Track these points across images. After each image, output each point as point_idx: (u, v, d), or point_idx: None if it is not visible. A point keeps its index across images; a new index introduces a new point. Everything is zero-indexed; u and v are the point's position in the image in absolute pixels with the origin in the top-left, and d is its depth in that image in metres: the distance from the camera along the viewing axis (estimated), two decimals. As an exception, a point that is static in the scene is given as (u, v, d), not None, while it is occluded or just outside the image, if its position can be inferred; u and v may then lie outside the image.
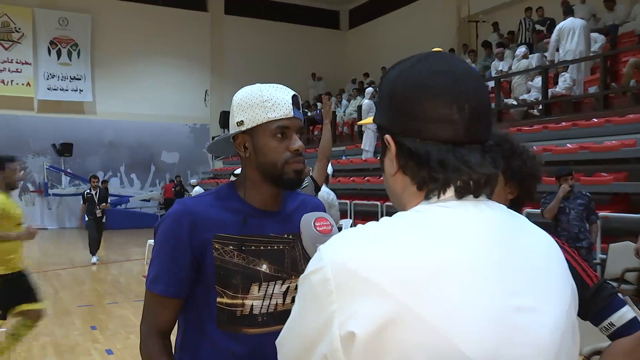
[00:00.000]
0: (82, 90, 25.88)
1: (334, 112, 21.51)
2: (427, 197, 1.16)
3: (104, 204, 14.47)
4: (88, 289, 11.55)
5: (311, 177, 5.59)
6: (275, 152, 2.00)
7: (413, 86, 1.15)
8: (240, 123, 2.01)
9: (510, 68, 15.47)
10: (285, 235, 2.10)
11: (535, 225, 1.24)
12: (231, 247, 2.01)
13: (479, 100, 1.15)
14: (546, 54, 14.54)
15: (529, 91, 14.51)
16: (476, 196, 1.16)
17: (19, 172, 6.22)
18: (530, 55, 15.14)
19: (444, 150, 1.13)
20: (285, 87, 2.04)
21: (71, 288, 11.60)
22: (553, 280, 1.16)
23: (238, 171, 4.78)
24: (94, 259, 14.62)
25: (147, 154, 27.51)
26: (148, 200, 26.77)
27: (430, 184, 1.15)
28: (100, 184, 14.81)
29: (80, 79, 25.87)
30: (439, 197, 1.15)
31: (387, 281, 1.01)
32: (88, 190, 14.56)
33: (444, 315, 1.00)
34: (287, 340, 1.16)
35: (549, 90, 13.57)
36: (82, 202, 14.87)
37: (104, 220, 14.62)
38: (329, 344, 1.03)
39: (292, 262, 2.11)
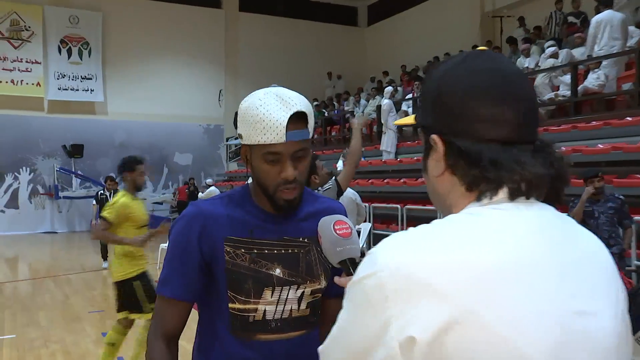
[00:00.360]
0: (93, 90, 26.01)
1: (351, 112, 21.46)
2: (478, 199, 1.17)
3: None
4: (99, 295, 11.58)
5: (336, 180, 5.64)
6: (267, 176, 1.99)
7: (463, 85, 1.17)
8: (240, 136, 2.00)
9: (537, 65, 15.28)
10: (301, 239, 2.10)
11: (584, 228, 1.26)
12: (243, 251, 2.02)
13: (530, 100, 1.18)
14: (575, 50, 14.36)
15: (557, 88, 14.34)
16: (528, 198, 1.17)
17: (146, 173, 6.46)
18: (558, 51, 14.91)
19: (496, 149, 1.14)
20: (290, 101, 1.94)
21: (82, 293, 11.65)
22: (606, 283, 1.18)
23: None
24: (105, 264, 14.56)
25: (159, 155, 27.60)
26: (161, 203, 26.83)
27: (481, 185, 1.16)
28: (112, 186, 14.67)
29: (91, 79, 26.01)
30: (490, 198, 1.16)
31: (447, 285, 1.02)
32: (102, 191, 14.35)
33: (506, 318, 1.02)
34: (334, 348, 1.16)
35: (580, 86, 13.32)
36: (94, 202, 14.57)
37: None
38: (386, 351, 1.04)
39: (307, 266, 2.11)
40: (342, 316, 1.14)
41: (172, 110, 27.45)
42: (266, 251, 2.04)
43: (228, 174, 27.37)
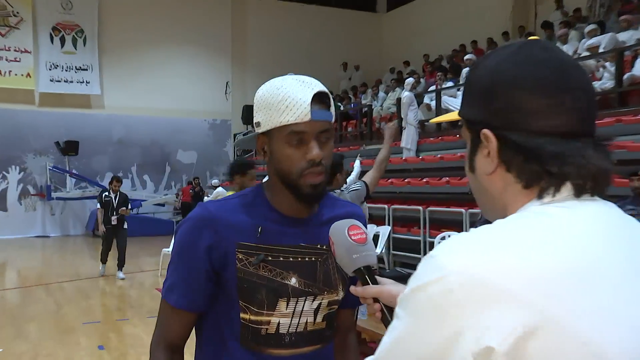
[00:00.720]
0: (88, 82, 26.03)
1: (369, 106, 21.42)
2: (539, 196, 1.19)
3: (124, 208, 14.17)
4: (95, 304, 11.61)
5: (364, 182, 5.85)
6: (290, 161, 1.99)
7: (519, 76, 1.19)
8: (258, 124, 2.02)
9: (576, 52, 15.05)
10: (318, 246, 2.10)
11: None
12: (256, 258, 2.02)
13: (589, 90, 1.22)
14: (622, 34, 14.08)
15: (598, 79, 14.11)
16: (593, 194, 1.19)
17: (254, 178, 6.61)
18: (601, 36, 14.60)
19: (557, 142, 1.16)
20: (310, 82, 1.99)
21: (76, 303, 11.67)
22: None
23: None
24: (102, 270, 14.54)
25: (161, 153, 27.73)
26: (163, 205, 26.96)
27: (542, 181, 1.18)
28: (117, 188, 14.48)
29: (86, 70, 26.01)
30: (553, 195, 1.18)
31: (523, 289, 1.03)
32: (107, 194, 14.24)
33: (587, 322, 1.04)
34: None
35: (626, 75, 13.09)
36: (98, 206, 14.48)
37: (125, 226, 14.27)
38: None
39: (325, 276, 2.12)
40: (397, 327, 1.14)
41: (175, 104, 27.52)
42: (281, 258, 2.04)
43: (235, 174, 27.34)
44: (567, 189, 1.17)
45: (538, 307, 1.02)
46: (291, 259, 2.06)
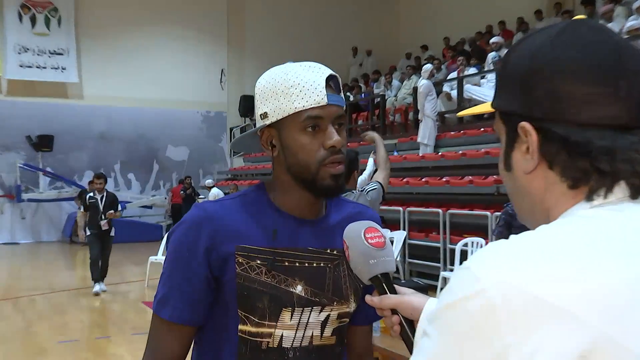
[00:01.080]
0: (64, 69, 25.93)
1: (382, 96, 21.37)
2: (588, 198, 1.18)
3: (112, 211, 13.74)
4: (71, 320, 11.57)
5: (379, 182, 5.99)
6: (306, 151, 2.01)
7: (565, 61, 1.18)
8: (264, 115, 2.05)
9: (621, 31, 14.88)
10: (328, 251, 2.12)
11: None
12: (258, 262, 2.03)
13: None
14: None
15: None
16: None
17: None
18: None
19: (609, 136, 1.15)
20: (320, 66, 2.04)
21: (49, 319, 11.63)
22: None
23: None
24: (97, 288, 13.82)
25: (148, 148, 27.80)
26: (150, 207, 27.06)
27: (592, 180, 1.17)
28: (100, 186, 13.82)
29: (61, 54, 25.90)
30: (605, 197, 1.17)
31: (578, 306, 1.02)
32: (92, 194, 13.87)
33: None
34: None
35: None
36: (81, 208, 14.26)
37: (112, 233, 13.98)
38: None
39: (335, 284, 2.13)
40: (429, 347, 1.13)
41: (164, 93, 27.55)
42: (286, 263, 2.06)
43: (232, 172, 27.46)
44: (621, 189, 1.15)
45: (595, 327, 1.01)
46: (297, 264, 2.07)
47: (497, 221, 8.93)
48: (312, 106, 1.97)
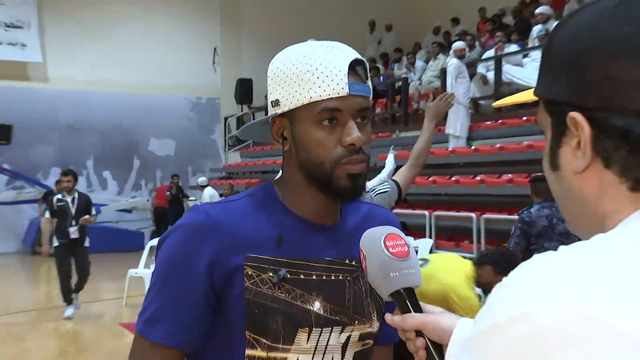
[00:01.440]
0: (24, 46, 25.99)
1: (404, 79, 21.31)
2: None
3: (87, 216, 13.23)
4: (32, 347, 11.54)
5: (396, 182, 5.79)
6: (321, 148, 2.03)
7: (622, 38, 1.15)
8: (276, 103, 2.07)
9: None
10: (347, 261, 2.14)
11: None
12: (270, 275, 2.04)
13: None
14: None
15: None
16: None
17: None
18: None
19: None
20: (345, 48, 2.06)
21: (5, 346, 11.55)
22: None
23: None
24: (69, 312, 13.30)
25: (127, 142, 27.84)
26: (129, 211, 27.18)
27: None
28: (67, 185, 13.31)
29: (20, 28, 25.94)
30: None
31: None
32: (60, 196, 13.33)
33: None
34: None
35: None
36: (46, 214, 13.72)
37: (86, 244, 13.36)
38: None
39: (356, 300, 2.15)
40: None
41: (146, 77, 27.65)
42: (302, 276, 2.07)
43: (227, 169, 27.45)
44: None
45: None
46: (314, 277, 2.09)
47: (513, 230, 8.93)
48: (330, 96, 1.97)
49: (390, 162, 8.00)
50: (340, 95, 1.96)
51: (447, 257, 8.05)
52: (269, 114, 2.12)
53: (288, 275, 2.04)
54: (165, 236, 2.07)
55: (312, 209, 2.12)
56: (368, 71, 2.07)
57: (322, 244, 2.12)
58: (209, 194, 20.23)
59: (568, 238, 8.59)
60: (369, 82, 2.06)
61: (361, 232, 1.97)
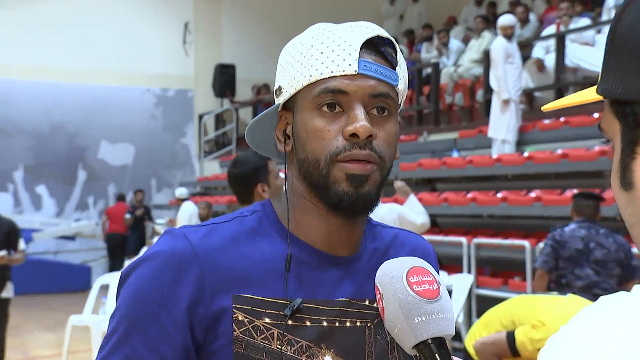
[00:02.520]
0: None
1: (434, 65, 21.31)
2: None
3: (4, 252, 11.42)
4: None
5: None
6: (319, 140, 2.07)
7: None
8: (279, 91, 2.16)
9: None
10: (367, 303, 2.19)
11: None
12: (267, 321, 2.07)
13: None
14: None
15: None
16: None
17: None
18: None
19: None
20: (367, 25, 2.11)
21: None
22: None
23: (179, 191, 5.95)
24: None
25: (70, 147, 28.06)
26: (72, 238, 27.26)
27: None
28: None
29: None
30: None
31: None
32: None
33: None
34: None
35: None
36: None
37: (5, 294, 11.91)
38: None
39: (378, 353, 2.19)
40: None
41: (95, 61, 27.86)
42: (308, 322, 2.09)
43: (202, 183, 27.43)
44: None
45: None
46: (325, 324, 2.11)
47: (542, 248, 9.35)
48: (333, 74, 2.01)
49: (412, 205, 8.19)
50: (347, 73, 1.99)
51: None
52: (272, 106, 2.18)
53: (290, 323, 2.06)
54: (131, 268, 2.05)
55: (320, 233, 2.15)
56: (398, 55, 2.08)
57: (335, 280, 2.15)
58: (189, 212, 19.87)
59: (605, 268, 9.31)
60: (400, 70, 2.09)
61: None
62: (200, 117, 28.89)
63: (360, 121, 1.99)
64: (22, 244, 12.04)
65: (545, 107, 1.70)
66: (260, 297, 2.05)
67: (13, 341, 15.41)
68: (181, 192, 22.77)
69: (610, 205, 13.13)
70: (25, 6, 26.78)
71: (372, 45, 2.03)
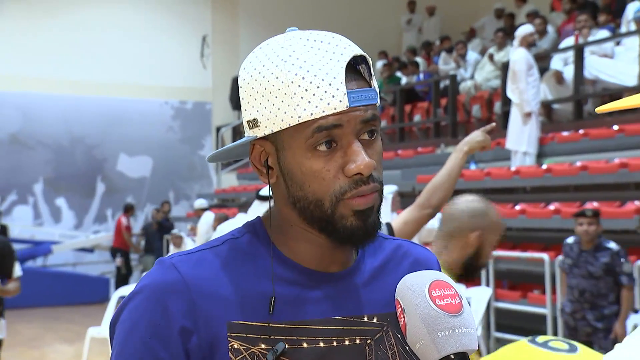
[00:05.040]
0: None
1: (452, 77, 21.22)
2: None
3: None
4: None
5: (388, 225, 5.71)
6: (318, 181, 2.02)
7: None
8: (254, 124, 2.07)
9: None
10: (366, 319, 2.13)
11: None
12: (263, 347, 2.03)
13: None
14: None
15: None
16: None
17: None
18: None
19: None
20: (336, 43, 2.03)
21: None
22: None
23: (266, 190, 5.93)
24: None
25: (89, 159, 28.10)
26: (91, 250, 27.24)
27: None
28: None
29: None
30: None
31: None
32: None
33: None
34: None
35: None
36: None
37: None
38: None
39: None
40: None
41: (114, 74, 27.83)
42: (305, 344, 2.05)
43: (219, 195, 27.43)
44: None
45: None
46: (322, 345, 2.06)
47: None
48: (324, 113, 1.95)
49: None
50: (338, 110, 1.94)
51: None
52: (244, 137, 2.10)
53: (286, 346, 2.00)
54: (124, 304, 2.05)
55: (313, 254, 2.11)
56: (371, 67, 2.03)
57: (329, 298, 2.11)
58: (208, 223, 19.77)
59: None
60: (374, 82, 2.03)
61: (384, 277, 2.11)
62: (218, 129, 28.77)
63: (361, 159, 1.96)
64: (17, 270, 9.56)
65: (600, 109, 1.67)
66: (254, 323, 2.03)
67: (32, 353, 15.45)
68: (200, 203, 22.67)
69: (630, 218, 13.11)
70: (45, 19, 26.85)
71: (350, 68, 1.99)
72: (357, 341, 2.09)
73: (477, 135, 5.63)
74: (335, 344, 2.07)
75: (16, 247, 18.08)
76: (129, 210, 25.77)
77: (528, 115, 16.56)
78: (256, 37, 28.14)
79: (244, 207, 15.38)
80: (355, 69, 2.00)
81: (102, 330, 13.97)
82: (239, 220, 14.80)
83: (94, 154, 27.96)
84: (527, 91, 16.48)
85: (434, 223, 8.97)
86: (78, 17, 27.20)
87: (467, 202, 5.26)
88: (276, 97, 1.97)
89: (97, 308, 17.81)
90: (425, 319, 1.80)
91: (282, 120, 1.97)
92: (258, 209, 6.01)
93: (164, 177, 28.77)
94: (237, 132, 27.70)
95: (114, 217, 27.78)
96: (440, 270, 2.23)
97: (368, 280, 2.15)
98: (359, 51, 2.00)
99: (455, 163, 5.49)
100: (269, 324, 2.03)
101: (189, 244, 18.30)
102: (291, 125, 1.97)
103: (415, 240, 5.44)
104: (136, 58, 27.91)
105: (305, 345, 2.04)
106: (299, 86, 1.94)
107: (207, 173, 29.59)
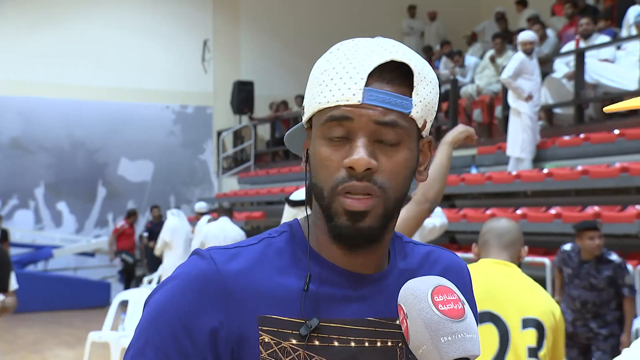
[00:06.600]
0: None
1: (453, 81, 21.20)
2: None
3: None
4: None
5: None
6: (324, 169, 2.06)
7: None
8: (304, 110, 2.15)
9: None
10: (397, 322, 2.12)
11: None
12: (294, 342, 2.04)
13: None
14: None
15: None
16: None
17: None
18: None
19: None
20: (380, 44, 2.05)
21: None
22: None
23: (298, 195, 6.27)
24: None
25: (90, 164, 28.04)
26: (92, 255, 27.20)
27: None
28: None
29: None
30: None
31: None
32: None
33: None
34: None
35: None
36: None
37: None
38: None
39: None
40: None
41: (114, 78, 27.80)
42: (336, 343, 2.07)
43: (220, 199, 27.21)
44: None
45: None
46: (353, 345, 2.08)
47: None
48: (338, 103, 1.98)
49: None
50: (350, 103, 1.96)
51: None
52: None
53: (317, 343, 2.03)
54: (157, 288, 2.07)
55: (342, 253, 2.10)
56: (416, 79, 2.01)
57: (362, 299, 2.11)
58: (199, 228, 19.93)
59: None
60: (416, 93, 2.01)
61: None
62: (219, 133, 28.74)
63: (357, 153, 1.97)
64: (13, 282, 7.99)
65: (608, 109, 1.68)
66: (286, 318, 2.03)
67: (33, 357, 15.42)
68: (200, 206, 22.61)
69: (631, 222, 13.10)
70: (46, 25, 26.82)
71: (387, 70, 1.99)
72: (389, 343, 2.11)
73: (458, 127, 5.79)
74: (366, 344, 2.08)
75: (17, 251, 18.09)
76: (131, 215, 25.69)
77: (529, 98, 16.58)
78: (257, 42, 28.31)
79: (228, 212, 15.57)
80: (396, 74, 2.00)
81: (103, 335, 13.94)
82: (221, 223, 14.98)
83: (95, 158, 27.91)
84: (513, 82, 16.47)
85: (435, 222, 8.98)
86: (79, 22, 27.19)
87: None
88: (313, 85, 2.05)
89: (98, 312, 17.77)
90: (428, 324, 1.80)
91: (311, 106, 2.04)
92: (286, 214, 6.00)
93: (165, 181, 28.71)
94: (238, 136, 27.63)
95: (115, 221, 27.80)
96: (470, 279, 2.31)
97: (401, 284, 2.09)
98: (401, 58, 2.00)
99: (442, 155, 5.56)
100: (300, 319, 2.04)
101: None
102: (315, 111, 2.03)
103: (416, 238, 5.45)
104: (137, 62, 27.87)
105: (336, 343, 2.05)
106: (328, 75, 2.00)
107: (208, 177, 29.52)
